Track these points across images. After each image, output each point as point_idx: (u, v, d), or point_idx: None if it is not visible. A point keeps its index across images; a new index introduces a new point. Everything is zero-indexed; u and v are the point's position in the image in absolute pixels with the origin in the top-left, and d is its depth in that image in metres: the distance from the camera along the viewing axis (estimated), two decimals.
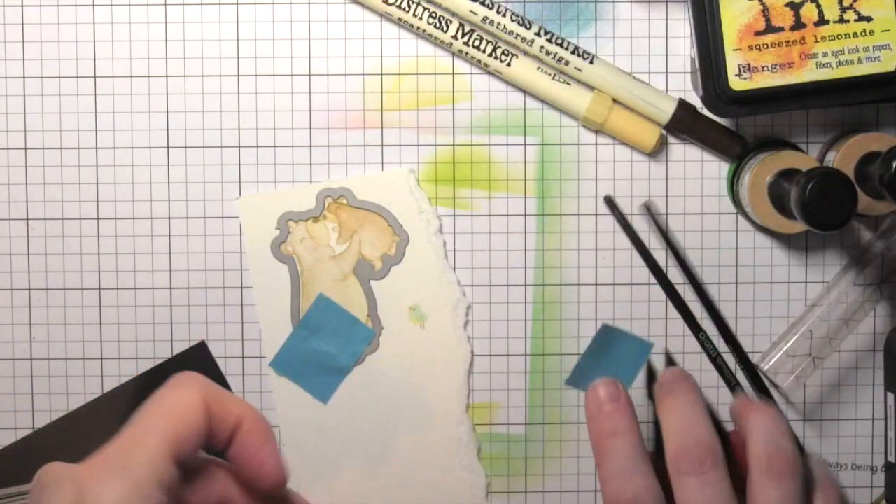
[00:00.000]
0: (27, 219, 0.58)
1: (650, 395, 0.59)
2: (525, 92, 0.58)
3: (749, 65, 0.53)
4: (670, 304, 0.58)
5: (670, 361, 0.58)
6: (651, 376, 0.58)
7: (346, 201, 0.56)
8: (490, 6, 0.56)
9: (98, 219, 0.58)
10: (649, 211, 0.58)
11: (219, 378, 0.58)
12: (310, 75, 0.58)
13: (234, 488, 0.43)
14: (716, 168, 0.58)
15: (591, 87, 0.57)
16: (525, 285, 0.58)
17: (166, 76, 0.58)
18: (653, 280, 0.58)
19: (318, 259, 0.56)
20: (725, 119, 0.57)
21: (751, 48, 0.53)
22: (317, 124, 0.58)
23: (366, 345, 0.56)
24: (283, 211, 0.57)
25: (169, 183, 0.58)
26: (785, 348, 0.57)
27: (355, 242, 0.56)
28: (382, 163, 0.58)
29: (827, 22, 0.53)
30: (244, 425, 0.42)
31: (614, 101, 0.57)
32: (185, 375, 0.42)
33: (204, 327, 0.58)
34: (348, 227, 0.56)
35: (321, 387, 0.56)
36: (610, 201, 0.58)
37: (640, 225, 0.58)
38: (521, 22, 0.56)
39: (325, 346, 0.56)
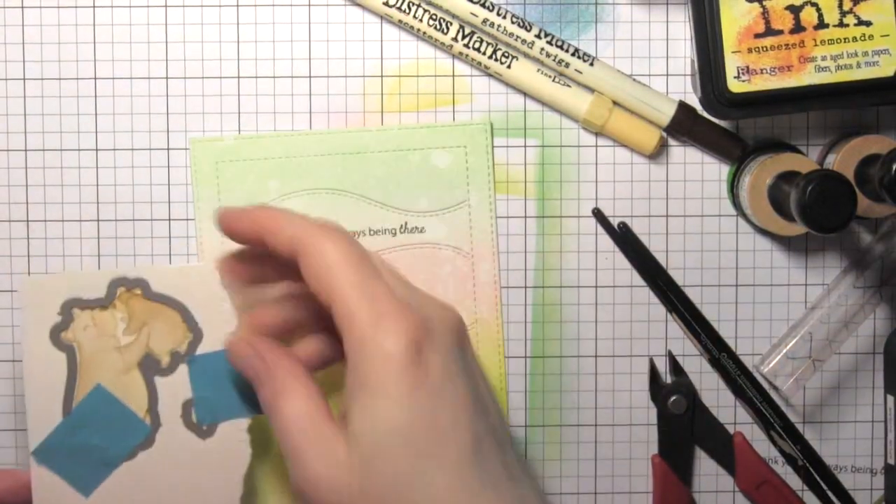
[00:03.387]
0: (27, 220, 0.58)
1: (653, 398, 0.59)
2: (525, 94, 0.58)
3: (748, 67, 0.54)
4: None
5: (673, 363, 0.58)
6: (653, 377, 0.58)
7: (141, 292, 0.53)
8: (490, 8, 0.56)
9: (98, 220, 0.58)
10: (601, 216, 0.58)
11: None
12: (310, 77, 0.58)
13: None
14: (716, 170, 0.58)
15: (591, 90, 0.57)
16: (525, 287, 0.58)
17: (166, 78, 0.58)
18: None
19: (101, 349, 0.53)
20: (725, 121, 0.57)
21: (750, 51, 0.53)
22: (317, 126, 0.58)
23: (139, 440, 0.53)
24: (68, 297, 0.53)
25: (169, 185, 0.58)
26: (785, 351, 0.58)
27: (144, 335, 0.53)
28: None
29: (826, 26, 0.54)
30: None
31: (614, 103, 0.57)
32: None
33: None
34: (138, 318, 0.53)
35: (84, 479, 0.53)
36: (598, 213, 0.58)
37: (637, 230, 0.58)
38: (521, 24, 0.57)
39: (95, 439, 0.53)
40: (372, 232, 0.58)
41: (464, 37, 0.57)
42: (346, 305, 0.44)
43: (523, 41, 0.57)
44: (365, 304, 0.44)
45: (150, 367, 0.53)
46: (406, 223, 0.58)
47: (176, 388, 0.54)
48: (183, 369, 0.54)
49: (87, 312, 0.53)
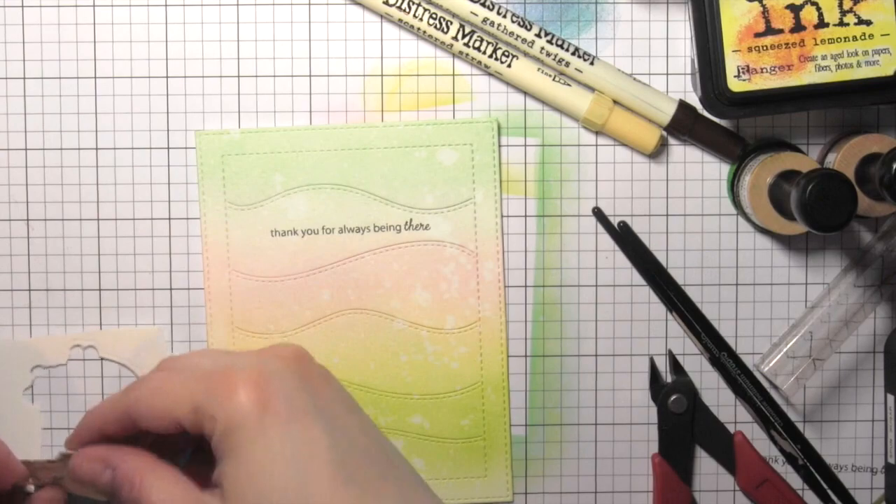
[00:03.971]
0: (27, 219, 0.58)
1: (653, 397, 0.59)
2: (525, 93, 0.58)
3: (748, 66, 0.54)
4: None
5: (673, 362, 0.58)
6: (654, 376, 0.58)
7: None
8: (490, 7, 0.56)
9: (98, 220, 0.58)
10: (601, 215, 0.58)
11: None
12: (310, 76, 0.58)
13: None
14: (716, 169, 0.58)
15: (591, 89, 0.57)
16: (525, 286, 0.58)
17: (167, 77, 0.58)
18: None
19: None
20: (725, 120, 0.57)
21: (750, 50, 0.53)
22: (313, 126, 0.58)
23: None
24: (34, 363, 0.57)
25: (169, 184, 0.58)
26: (785, 350, 0.57)
27: None
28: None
29: (827, 25, 0.54)
30: None
31: (615, 102, 0.57)
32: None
33: (203, 328, 0.58)
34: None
35: None
36: (598, 212, 0.58)
37: (638, 229, 0.58)
38: (521, 23, 0.57)
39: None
40: (376, 228, 0.58)
41: (464, 36, 0.57)
42: (187, 409, 0.45)
43: (523, 40, 0.57)
44: (197, 396, 0.45)
45: None
46: (411, 220, 0.58)
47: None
48: None
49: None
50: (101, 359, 0.57)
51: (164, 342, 0.57)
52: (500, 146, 0.58)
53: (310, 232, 0.58)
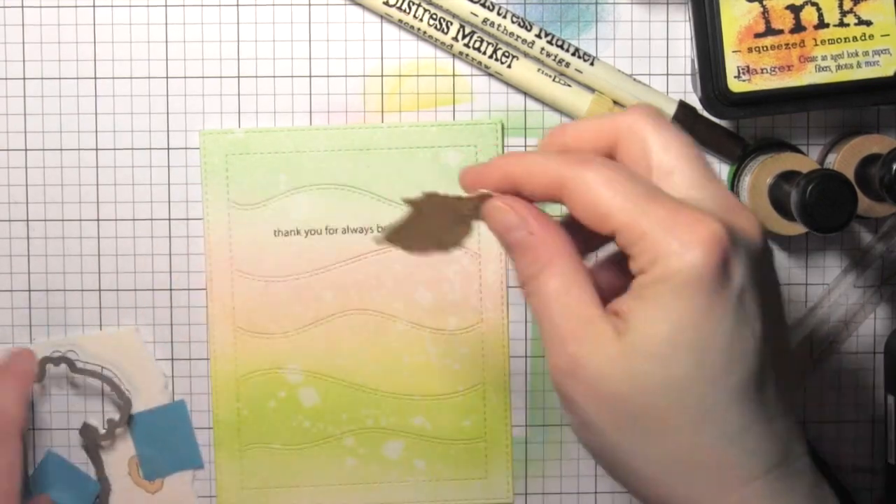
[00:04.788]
0: (27, 220, 0.58)
1: None
2: (525, 94, 0.58)
3: (748, 67, 0.54)
4: None
5: None
6: None
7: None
8: (490, 8, 0.56)
9: (98, 220, 0.58)
10: None
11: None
12: (310, 77, 0.58)
13: None
14: (716, 170, 0.58)
15: (591, 89, 0.57)
16: None
17: (166, 78, 0.57)
18: None
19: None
20: (725, 121, 0.57)
21: (750, 50, 0.54)
22: (317, 126, 0.58)
23: (93, 499, 0.57)
24: None
25: (169, 184, 0.58)
26: None
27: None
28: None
29: (827, 25, 0.54)
30: None
31: (615, 102, 0.57)
32: None
33: (203, 328, 0.58)
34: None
35: None
36: None
37: None
38: (521, 24, 0.57)
39: (57, 498, 0.57)
40: (380, 229, 0.58)
41: (464, 36, 0.57)
42: (630, 231, 0.38)
43: (524, 41, 0.57)
44: (651, 223, 0.38)
45: (89, 436, 0.57)
46: None
47: (119, 448, 0.58)
48: (121, 432, 0.58)
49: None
50: (81, 364, 0.57)
51: (142, 342, 0.58)
52: (504, 147, 0.58)
53: (313, 232, 0.58)
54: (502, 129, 0.58)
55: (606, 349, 0.38)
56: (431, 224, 0.43)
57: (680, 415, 0.37)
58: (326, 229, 0.58)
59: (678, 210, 0.38)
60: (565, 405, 0.39)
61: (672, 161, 0.40)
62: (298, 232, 0.58)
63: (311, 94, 0.58)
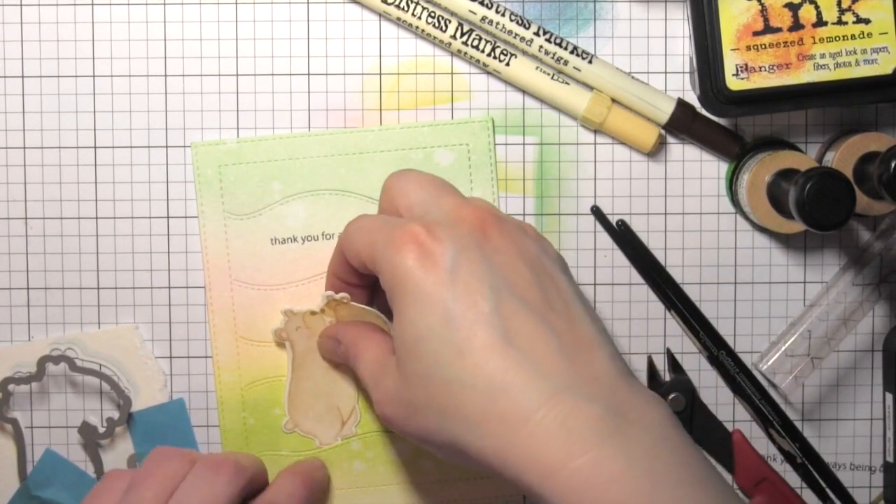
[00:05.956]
0: (26, 218, 0.58)
1: None
2: (524, 91, 0.58)
3: (746, 65, 0.54)
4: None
5: (672, 360, 0.58)
6: (652, 374, 0.58)
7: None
8: (489, 6, 0.56)
9: (96, 218, 0.58)
10: (599, 213, 0.58)
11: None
12: (308, 75, 0.58)
13: None
14: (714, 168, 0.58)
15: (589, 87, 0.57)
16: None
17: (165, 75, 0.58)
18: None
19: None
20: (724, 119, 0.57)
21: (748, 48, 0.53)
22: (315, 124, 0.58)
23: None
24: (4, 375, 0.57)
25: (167, 182, 0.58)
26: (783, 348, 0.58)
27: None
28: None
29: (825, 23, 0.54)
30: None
31: (613, 100, 0.57)
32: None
33: (202, 326, 0.58)
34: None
35: None
36: (597, 211, 0.58)
37: (636, 228, 0.58)
38: (519, 21, 0.57)
39: (54, 497, 0.57)
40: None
41: (462, 34, 0.57)
42: (372, 263, 0.48)
43: (522, 39, 0.57)
44: (377, 242, 0.48)
45: (88, 434, 0.57)
46: None
47: (118, 447, 0.58)
48: (120, 430, 0.57)
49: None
50: (80, 362, 0.57)
51: (141, 340, 0.57)
52: (495, 144, 0.58)
53: (310, 238, 0.58)
54: (493, 125, 0.58)
55: (393, 375, 0.48)
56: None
57: (441, 376, 0.45)
58: (323, 235, 0.58)
59: (392, 228, 0.47)
60: (394, 429, 0.49)
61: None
62: (295, 239, 0.58)
63: (309, 92, 0.58)
